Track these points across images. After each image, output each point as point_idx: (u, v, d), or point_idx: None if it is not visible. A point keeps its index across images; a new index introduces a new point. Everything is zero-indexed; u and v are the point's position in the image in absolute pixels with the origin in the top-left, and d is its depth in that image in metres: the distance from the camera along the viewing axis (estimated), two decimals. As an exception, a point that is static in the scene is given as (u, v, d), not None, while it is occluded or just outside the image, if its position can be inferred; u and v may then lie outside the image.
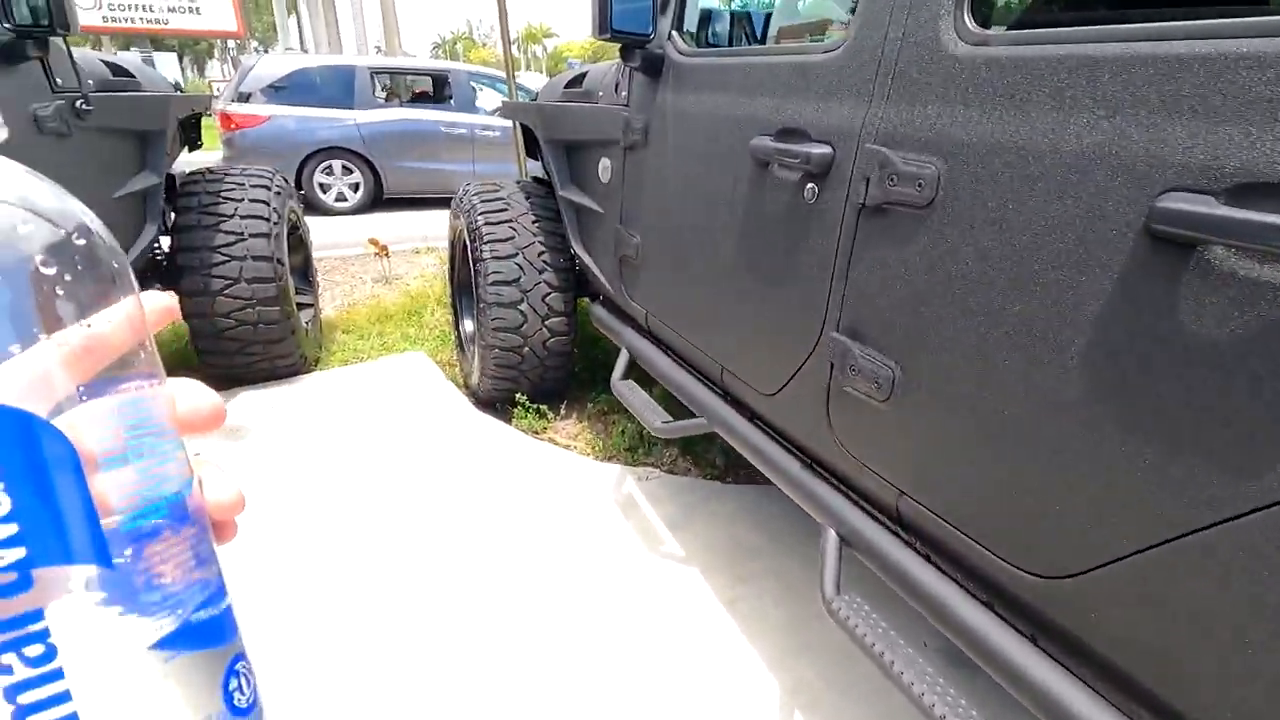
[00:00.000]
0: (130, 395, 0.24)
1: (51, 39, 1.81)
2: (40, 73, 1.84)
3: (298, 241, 3.11)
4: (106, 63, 2.37)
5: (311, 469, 2.26)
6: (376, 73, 7.56)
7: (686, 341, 1.69)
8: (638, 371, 2.05)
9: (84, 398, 0.22)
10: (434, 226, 6.27)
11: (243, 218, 2.60)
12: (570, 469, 2.32)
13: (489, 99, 7.71)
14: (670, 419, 1.73)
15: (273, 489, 2.14)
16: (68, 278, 0.22)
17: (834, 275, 1.17)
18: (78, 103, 1.95)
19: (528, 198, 2.61)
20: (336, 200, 7.05)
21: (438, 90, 7.98)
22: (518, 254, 2.44)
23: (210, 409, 0.28)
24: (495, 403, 2.68)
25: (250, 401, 2.71)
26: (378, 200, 7.23)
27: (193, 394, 0.28)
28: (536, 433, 2.56)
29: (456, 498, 2.12)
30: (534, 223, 2.51)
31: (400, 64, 9.59)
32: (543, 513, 2.06)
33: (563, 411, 2.68)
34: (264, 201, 2.67)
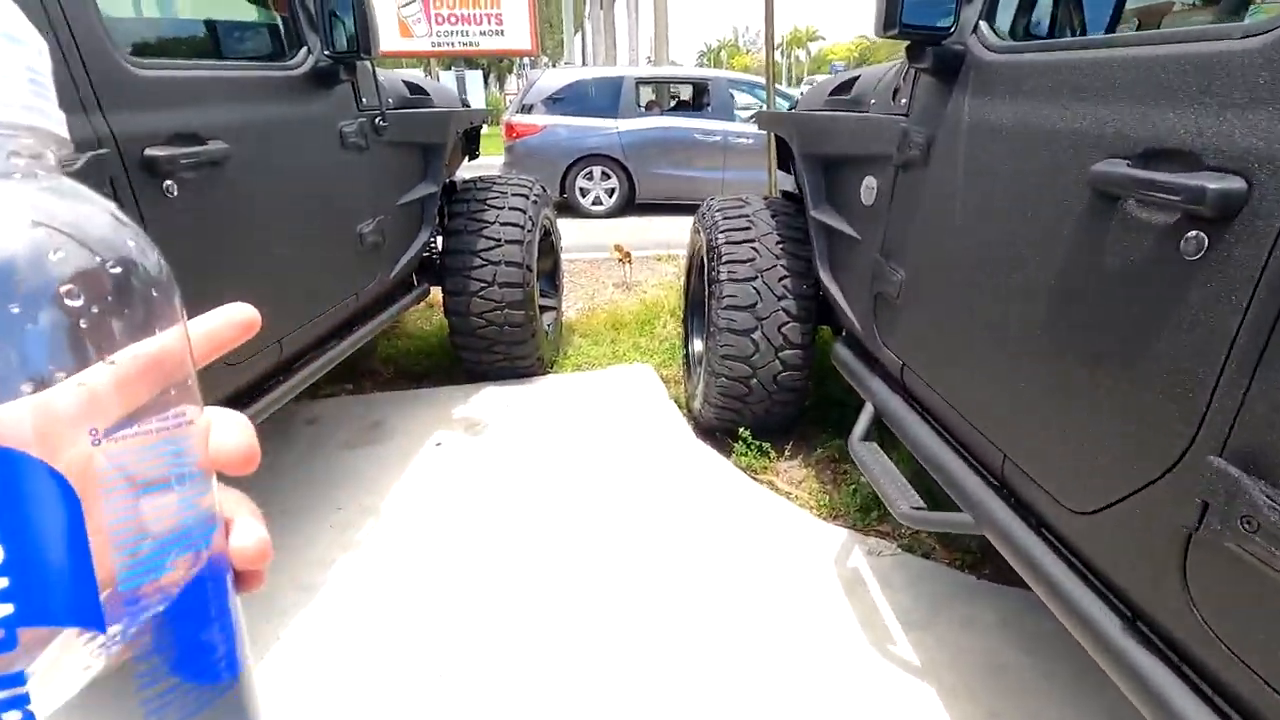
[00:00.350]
0: (152, 437, 0.22)
1: (360, 63, 2.01)
2: (350, 93, 2.06)
3: (549, 247, 3.24)
4: (406, 82, 2.64)
5: (531, 472, 2.29)
6: (642, 82, 7.87)
7: (956, 412, 1.34)
8: (882, 431, 1.73)
9: (98, 440, 0.20)
10: (677, 233, 6.32)
11: (501, 224, 2.75)
12: (788, 522, 2.06)
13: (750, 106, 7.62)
14: (922, 504, 1.39)
15: (494, 487, 2.21)
16: (94, 310, 0.20)
17: (1223, 370, 0.78)
18: (376, 120, 2.16)
19: (774, 216, 2.39)
20: (593, 204, 7.48)
21: (697, 98, 8.09)
22: (757, 277, 2.23)
23: (240, 453, 0.25)
24: (715, 432, 2.51)
25: (490, 397, 2.87)
26: (629, 204, 7.53)
27: (226, 432, 0.25)
28: (755, 472, 2.34)
29: (660, 531, 1.99)
30: (778, 244, 2.29)
31: (664, 73, 9.92)
32: (749, 569, 1.84)
33: (787, 452, 2.42)
34: (521, 210, 2.80)
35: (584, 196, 7.46)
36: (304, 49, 1.91)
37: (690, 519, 2.06)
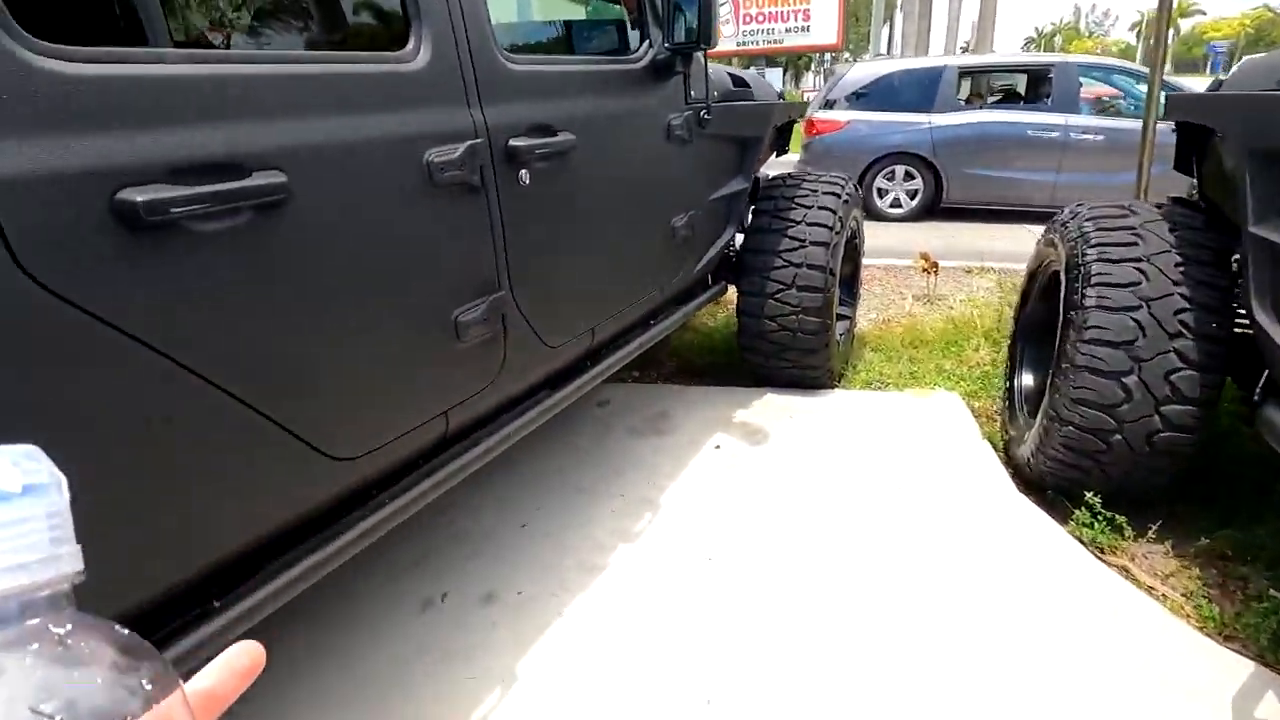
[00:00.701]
0: None
1: (694, 55, 1.99)
2: (680, 86, 2.04)
3: (851, 251, 2.99)
4: (730, 74, 2.59)
5: (812, 497, 2.10)
6: (966, 72, 7.05)
7: None
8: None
9: None
10: (991, 243, 5.55)
11: (808, 225, 2.58)
12: (1152, 628, 1.58)
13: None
14: None
15: (771, 505, 2.06)
16: None
17: None
18: (701, 112, 2.13)
19: (1173, 230, 1.85)
20: (890, 206, 6.91)
21: (1032, 88, 7.01)
22: (1141, 306, 1.75)
23: None
24: (1045, 489, 2.06)
25: (773, 404, 2.73)
26: (932, 209, 6.81)
27: None
28: (1101, 550, 1.86)
29: (972, 601, 1.66)
30: (1177, 267, 1.77)
31: (997, 60, 8.69)
32: (1099, 681, 1.43)
33: (1151, 533, 1.88)
34: (831, 210, 2.60)
35: (881, 198, 6.92)
36: (645, 42, 1.94)
37: (1011, 592, 1.69)
